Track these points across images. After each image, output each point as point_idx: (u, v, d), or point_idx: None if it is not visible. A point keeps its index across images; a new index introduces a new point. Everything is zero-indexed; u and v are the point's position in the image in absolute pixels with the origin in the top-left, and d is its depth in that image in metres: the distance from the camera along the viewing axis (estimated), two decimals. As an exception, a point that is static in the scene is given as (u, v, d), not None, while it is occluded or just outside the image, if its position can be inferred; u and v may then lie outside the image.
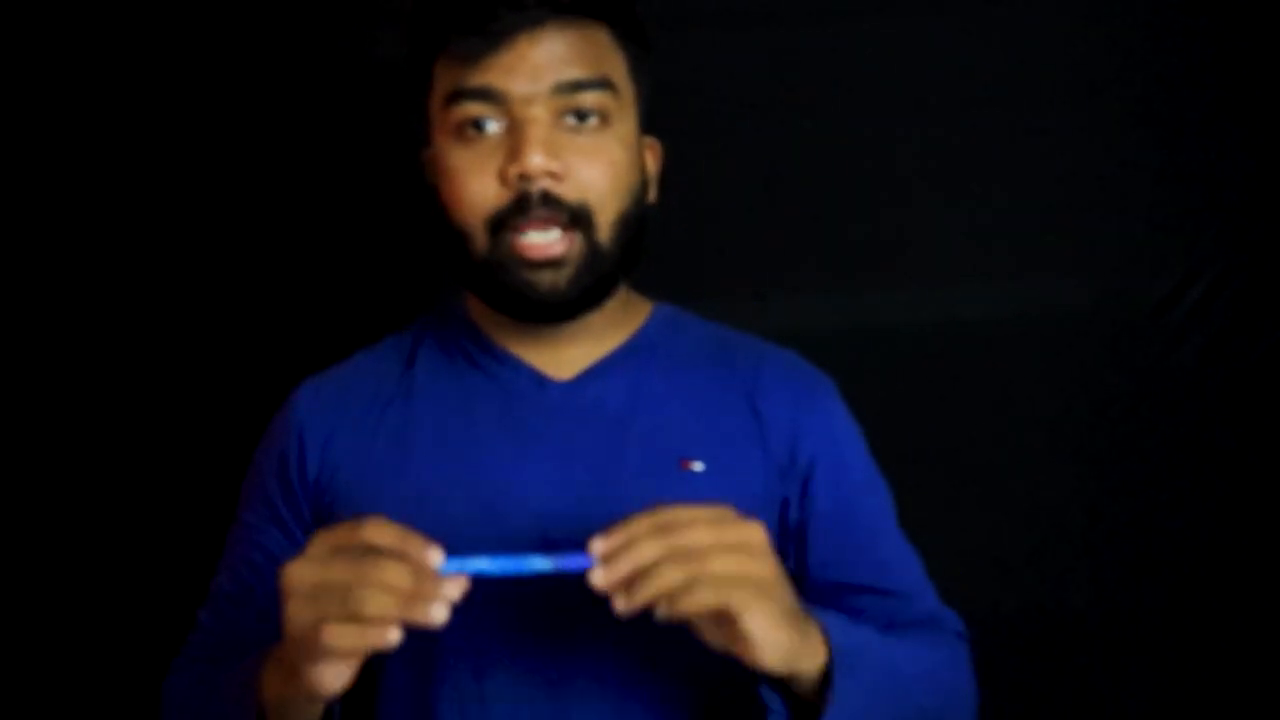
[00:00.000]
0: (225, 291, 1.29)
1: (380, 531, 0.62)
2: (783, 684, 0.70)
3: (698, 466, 0.80)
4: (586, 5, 0.77)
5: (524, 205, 0.75)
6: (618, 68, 0.79)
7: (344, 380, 0.88)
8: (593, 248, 0.77)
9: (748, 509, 0.67)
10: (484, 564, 0.63)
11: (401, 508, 0.71)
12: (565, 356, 0.84)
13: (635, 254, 0.82)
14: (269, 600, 0.79)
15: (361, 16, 1.25)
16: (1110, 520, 1.29)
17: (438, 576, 0.61)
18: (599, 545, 0.62)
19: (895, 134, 1.27)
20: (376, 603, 0.59)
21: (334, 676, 0.63)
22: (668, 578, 0.61)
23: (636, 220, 0.80)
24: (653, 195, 0.86)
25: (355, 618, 0.60)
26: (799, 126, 1.27)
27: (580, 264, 0.77)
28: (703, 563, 0.61)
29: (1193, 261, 1.27)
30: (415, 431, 0.83)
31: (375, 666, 0.82)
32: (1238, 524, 1.27)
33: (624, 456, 0.80)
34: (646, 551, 0.61)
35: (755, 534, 0.64)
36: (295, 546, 0.83)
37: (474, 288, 0.81)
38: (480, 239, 0.77)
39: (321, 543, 0.63)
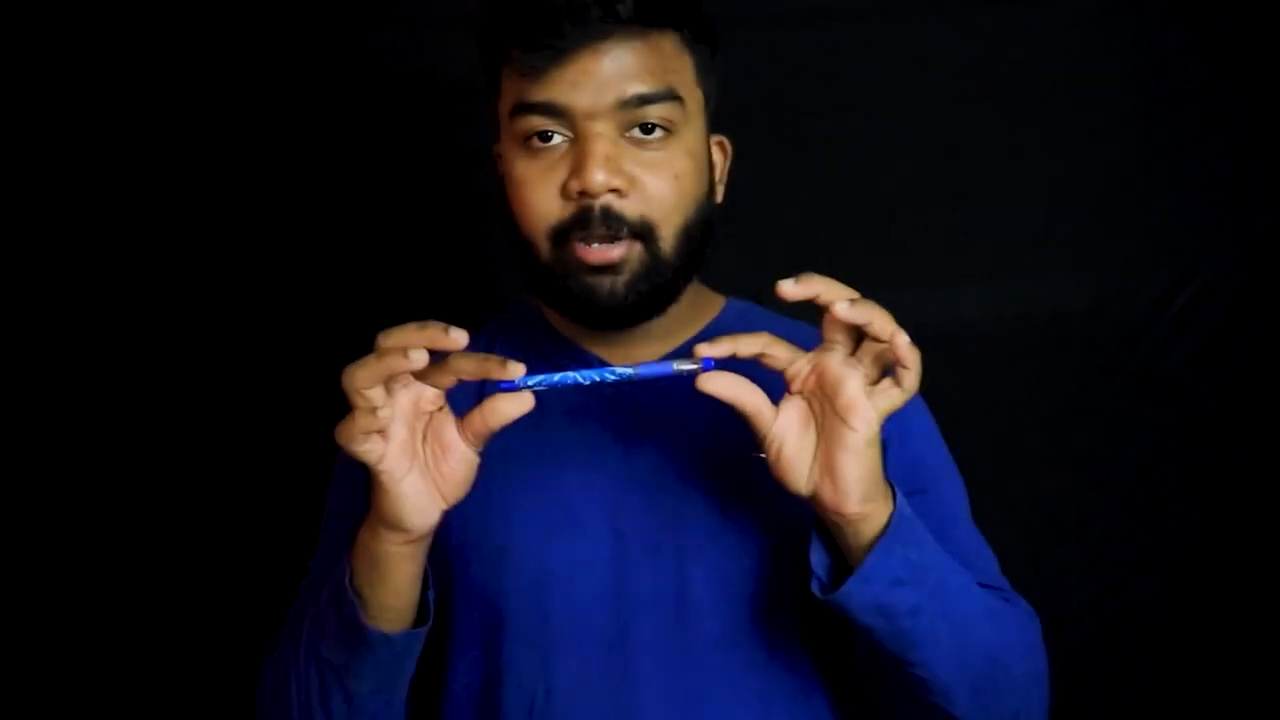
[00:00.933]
0: (287, 296, 1.29)
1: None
2: (830, 544, 0.71)
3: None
4: (651, 16, 0.76)
5: (585, 220, 0.75)
6: (684, 75, 0.78)
7: None
8: (653, 257, 0.77)
9: None
10: (566, 376, 0.67)
11: (469, 496, 0.72)
12: (636, 353, 0.84)
13: (699, 259, 0.81)
14: None
15: (421, 23, 1.27)
16: (1108, 520, 1.29)
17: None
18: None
19: (896, 134, 1.27)
20: (393, 337, 0.64)
21: (404, 481, 0.67)
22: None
23: (700, 226, 0.80)
24: (720, 195, 0.86)
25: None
26: (799, 126, 1.27)
27: (639, 271, 0.77)
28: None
29: (1190, 262, 1.27)
30: None
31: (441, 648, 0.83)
32: (1236, 523, 1.28)
33: (693, 448, 0.81)
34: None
35: None
36: None
37: (538, 292, 0.82)
38: (543, 248, 0.78)
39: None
